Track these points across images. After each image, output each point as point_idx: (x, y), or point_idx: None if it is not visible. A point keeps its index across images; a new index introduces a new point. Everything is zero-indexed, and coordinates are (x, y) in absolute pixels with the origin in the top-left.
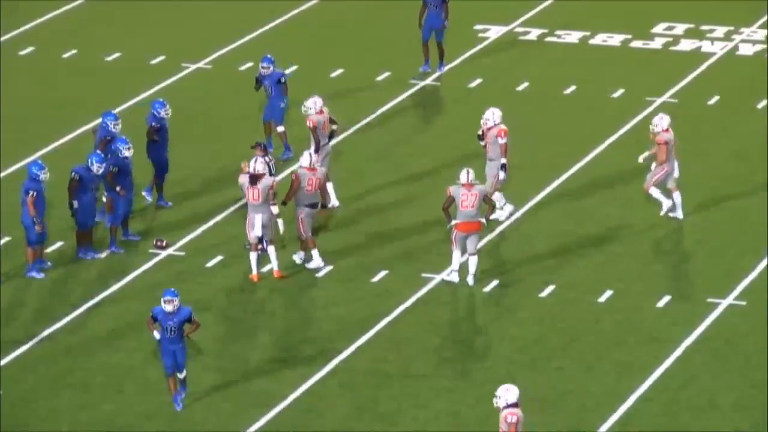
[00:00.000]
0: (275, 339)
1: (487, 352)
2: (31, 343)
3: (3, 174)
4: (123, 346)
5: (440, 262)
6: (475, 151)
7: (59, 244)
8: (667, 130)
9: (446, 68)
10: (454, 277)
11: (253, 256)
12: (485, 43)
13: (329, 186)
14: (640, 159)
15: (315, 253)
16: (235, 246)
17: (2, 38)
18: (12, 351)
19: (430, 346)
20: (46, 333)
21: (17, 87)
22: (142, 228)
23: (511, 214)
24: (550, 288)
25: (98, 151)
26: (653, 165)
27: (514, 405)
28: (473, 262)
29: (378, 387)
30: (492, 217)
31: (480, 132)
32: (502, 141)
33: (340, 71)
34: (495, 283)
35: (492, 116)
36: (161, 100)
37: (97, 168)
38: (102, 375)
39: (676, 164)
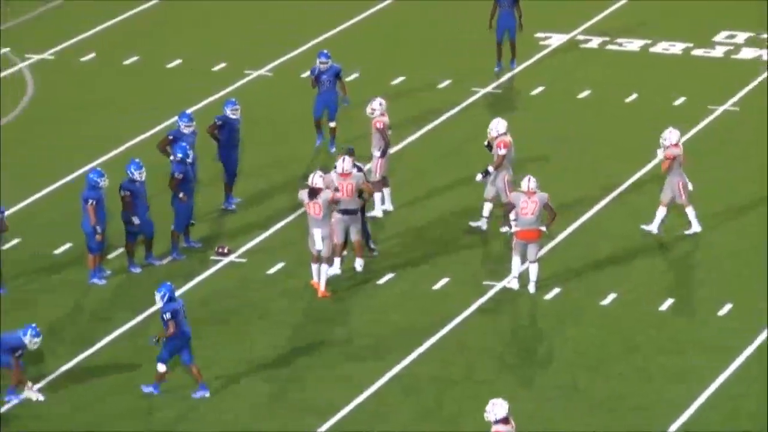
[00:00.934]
0: (337, 346)
1: (549, 358)
2: (92, 349)
3: (63, 181)
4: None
5: (501, 269)
6: (536, 158)
7: (120, 250)
8: (676, 144)
9: (511, 73)
10: (515, 284)
11: (314, 267)
12: (547, 50)
13: (386, 191)
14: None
15: (337, 261)
16: (296, 253)
17: (64, 44)
18: (75, 356)
19: (493, 352)
20: (107, 339)
21: (78, 93)
22: (203, 235)
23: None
24: (612, 295)
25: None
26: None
27: (504, 420)
28: (534, 270)
29: (441, 392)
30: (476, 224)
31: (486, 142)
32: (500, 152)
33: (402, 78)
34: (557, 290)
35: (496, 126)
36: (233, 99)
37: (138, 174)
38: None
39: (686, 179)
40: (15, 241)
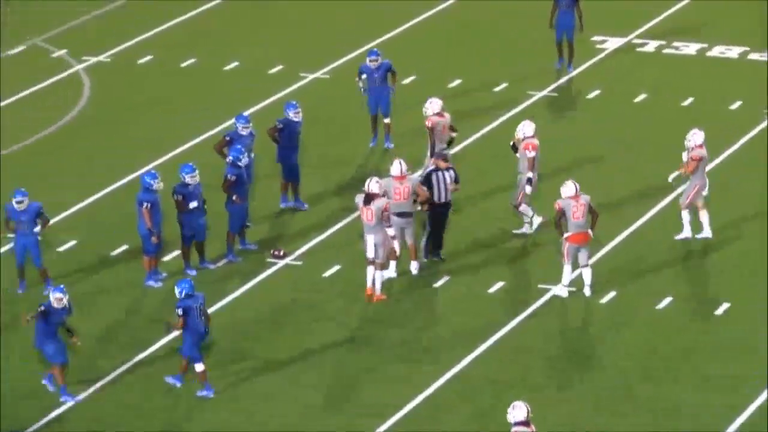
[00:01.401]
0: (393, 348)
1: (603, 362)
2: (147, 351)
3: (120, 183)
4: (238, 356)
5: (556, 272)
6: (592, 160)
7: (176, 252)
8: (701, 146)
9: (568, 76)
10: (564, 292)
11: (369, 269)
12: (603, 54)
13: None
14: (670, 179)
15: (393, 264)
16: (352, 255)
17: (121, 47)
18: (130, 358)
19: (547, 355)
20: (162, 341)
21: (134, 95)
22: (260, 237)
23: (539, 226)
24: (668, 299)
25: (224, 150)
26: (682, 186)
27: (524, 423)
28: (588, 274)
29: (496, 396)
30: (520, 231)
31: (512, 143)
32: (530, 155)
33: (459, 80)
34: (612, 293)
35: (523, 128)
36: (293, 102)
37: (189, 178)
38: (217, 384)
39: (707, 182)
40: (72, 242)
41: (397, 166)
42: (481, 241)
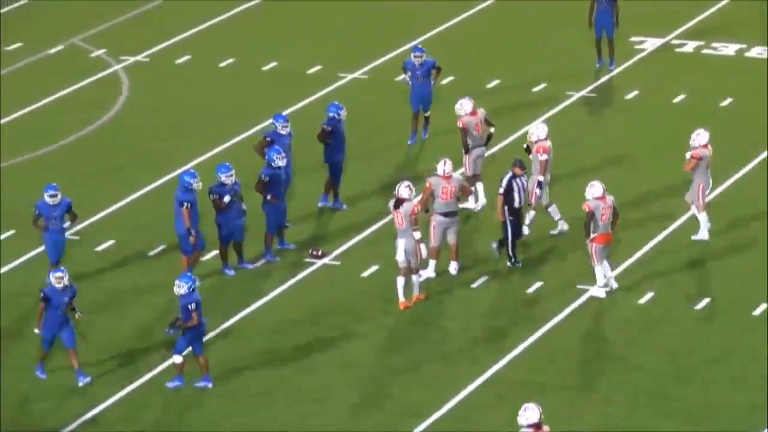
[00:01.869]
0: (430, 349)
1: (641, 363)
2: (187, 350)
3: (158, 183)
4: (276, 356)
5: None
6: (630, 161)
7: (215, 252)
8: (705, 146)
9: (607, 76)
10: (601, 293)
11: (399, 282)
12: (642, 54)
13: (479, 186)
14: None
15: (432, 264)
16: (390, 255)
17: (159, 47)
18: (166, 358)
19: (585, 357)
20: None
21: (173, 95)
22: (299, 237)
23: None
24: (705, 300)
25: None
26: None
27: (536, 426)
28: (608, 266)
29: (532, 397)
30: (556, 231)
31: (525, 145)
32: (542, 158)
33: (497, 80)
34: (650, 294)
35: (536, 131)
36: (336, 102)
37: (225, 177)
38: (255, 384)
39: (710, 182)
40: (110, 242)
41: (442, 166)
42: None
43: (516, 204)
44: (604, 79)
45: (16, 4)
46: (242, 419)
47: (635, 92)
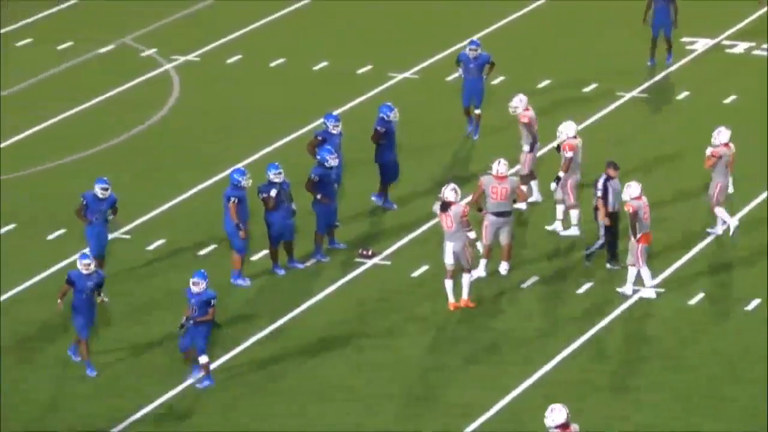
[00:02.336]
0: (479, 349)
1: (693, 364)
2: (237, 350)
3: (208, 182)
4: (326, 356)
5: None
6: (680, 162)
7: (264, 252)
8: (726, 144)
9: (657, 77)
10: (652, 294)
11: (448, 284)
12: (692, 55)
13: (533, 184)
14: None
15: (483, 263)
16: (441, 255)
17: (210, 46)
18: (219, 357)
19: (635, 357)
20: (251, 340)
21: (223, 95)
22: (349, 236)
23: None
24: (756, 301)
25: (316, 149)
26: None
27: (563, 426)
28: (634, 273)
29: (583, 399)
30: (566, 233)
31: (556, 144)
32: (567, 155)
33: (548, 80)
34: (701, 295)
35: (564, 128)
36: (389, 103)
37: (273, 176)
38: (307, 383)
39: (730, 180)
40: (161, 241)
41: (496, 166)
42: (570, 241)
43: (610, 207)
44: (655, 79)
45: (68, 3)
46: (291, 419)
47: (686, 93)
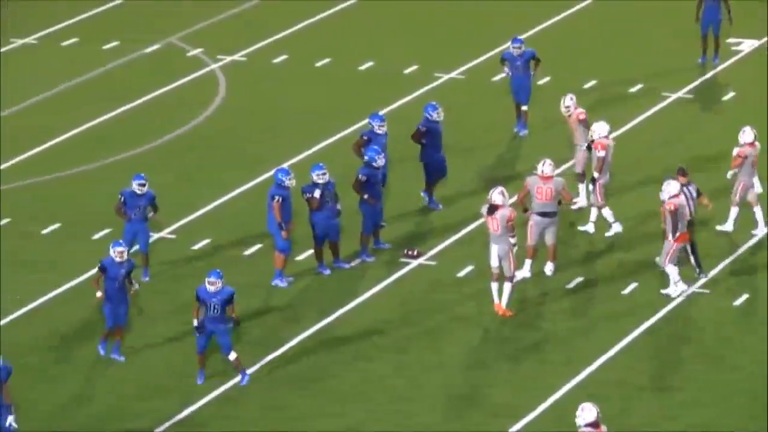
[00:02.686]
0: (523, 349)
1: (735, 365)
2: (281, 350)
3: (254, 182)
4: (371, 355)
5: (690, 274)
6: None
7: (310, 252)
8: (752, 144)
9: (703, 78)
10: (676, 291)
11: (493, 285)
12: (738, 56)
13: (581, 186)
14: (728, 175)
15: (528, 263)
16: (486, 255)
17: (256, 46)
18: (263, 357)
19: (679, 358)
20: (296, 340)
21: (269, 95)
22: (395, 236)
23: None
24: None
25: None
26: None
27: (593, 425)
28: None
29: (628, 399)
30: (583, 228)
31: (587, 144)
32: (599, 154)
33: (593, 81)
34: (744, 296)
35: (597, 128)
36: (433, 103)
37: (317, 177)
38: (351, 383)
39: (756, 179)
40: (205, 241)
41: (541, 166)
42: (613, 242)
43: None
44: (700, 79)
45: (114, 2)
46: (336, 419)
47: (732, 93)
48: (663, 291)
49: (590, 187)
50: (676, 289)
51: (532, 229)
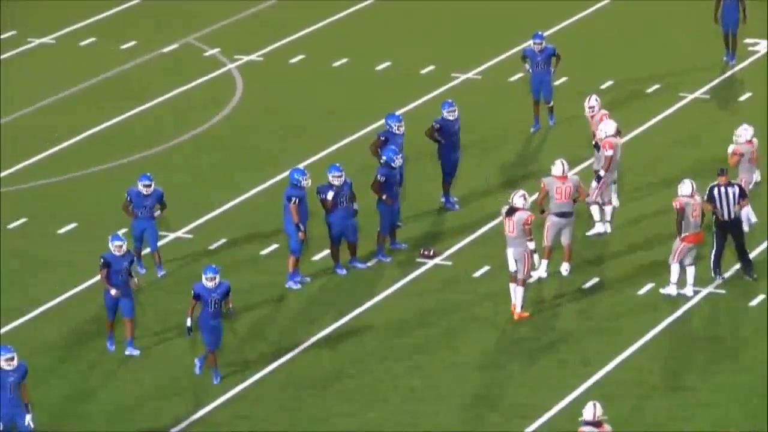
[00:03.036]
0: (539, 349)
1: (752, 365)
2: (297, 350)
3: (270, 182)
4: (387, 355)
5: (708, 275)
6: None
7: (326, 252)
8: (750, 141)
9: (719, 78)
10: (674, 291)
11: (511, 286)
12: (755, 57)
13: (613, 188)
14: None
15: (544, 264)
16: (502, 256)
17: (273, 46)
18: (277, 358)
19: (694, 358)
20: (312, 340)
21: (286, 95)
22: (411, 236)
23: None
24: None
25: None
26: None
27: (593, 423)
28: (693, 273)
29: (643, 399)
30: (592, 232)
31: (594, 141)
32: (607, 153)
33: (610, 81)
34: (761, 297)
35: (605, 127)
36: (449, 100)
37: (333, 178)
38: (367, 383)
39: (755, 175)
40: (222, 241)
41: (559, 166)
42: (630, 243)
43: (719, 215)
44: (717, 80)
45: (131, 2)
46: (353, 419)
47: (748, 94)
48: (662, 290)
49: (593, 183)
50: (679, 289)
51: (549, 230)
